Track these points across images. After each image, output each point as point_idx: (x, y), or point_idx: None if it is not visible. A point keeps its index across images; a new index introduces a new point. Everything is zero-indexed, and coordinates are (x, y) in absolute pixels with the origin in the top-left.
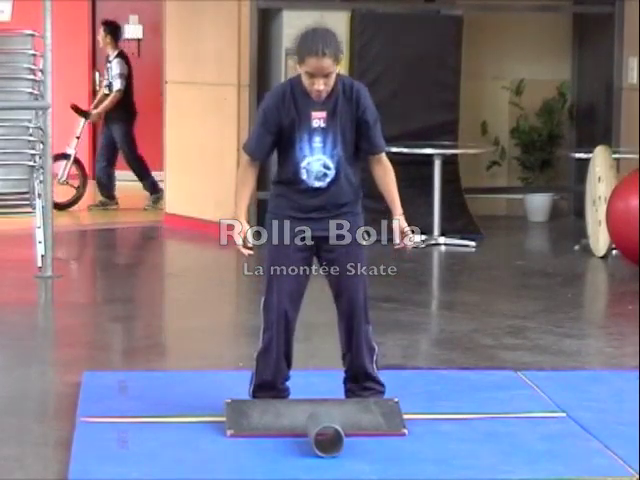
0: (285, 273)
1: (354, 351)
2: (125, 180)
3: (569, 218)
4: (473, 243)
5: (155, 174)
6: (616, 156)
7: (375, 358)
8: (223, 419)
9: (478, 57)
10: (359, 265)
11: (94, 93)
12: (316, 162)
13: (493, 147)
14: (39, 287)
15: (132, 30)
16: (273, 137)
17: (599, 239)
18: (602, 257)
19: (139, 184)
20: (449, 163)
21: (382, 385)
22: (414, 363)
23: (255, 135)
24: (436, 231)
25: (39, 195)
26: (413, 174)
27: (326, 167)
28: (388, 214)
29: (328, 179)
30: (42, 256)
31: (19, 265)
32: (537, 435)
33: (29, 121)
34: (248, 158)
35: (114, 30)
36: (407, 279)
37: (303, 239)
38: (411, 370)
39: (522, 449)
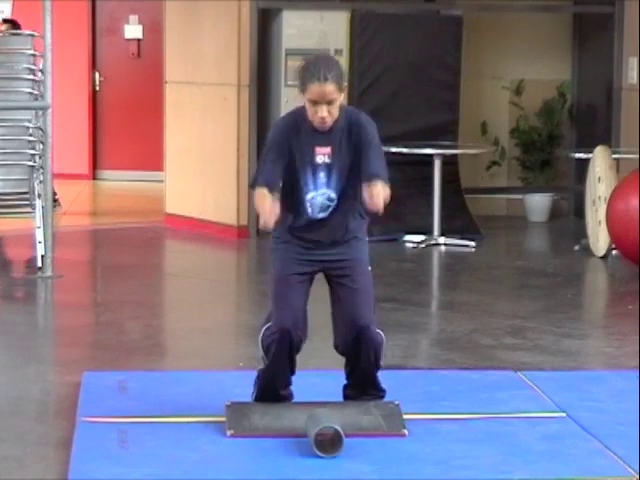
0: (289, 298)
1: (358, 359)
2: (126, 180)
3: (569, 218)
4: (473, 243)
5: (155, 174)
6: (616, 156)
7: (380, 355)
8: (223, 420)
9: (478, 57)
10: (365, 286)
11: (94, 93)
12: (320, 196)
13: (493, 147)
14: (39, 287)
15: (132, 30)
16: (285, 162)
17: (599, 239)
18: (602, 257)
19: (140, 184)
20: (449, 163)
21: (383, 391)
22: (414, 363)
23: (266, 165)
24: (436, 231)
25: (39, 195)
26: (413, 174)
27: (330, 199)
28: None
29: (331, 209)
30: (42, 256)
31: (19, 265)
32: (537, 435)
33: (29, 121)
34: (263, 190)
35: (15, 29)
36: (407, 279)
37: (308, 263)
38: (411, 370)
39: (522, 449)
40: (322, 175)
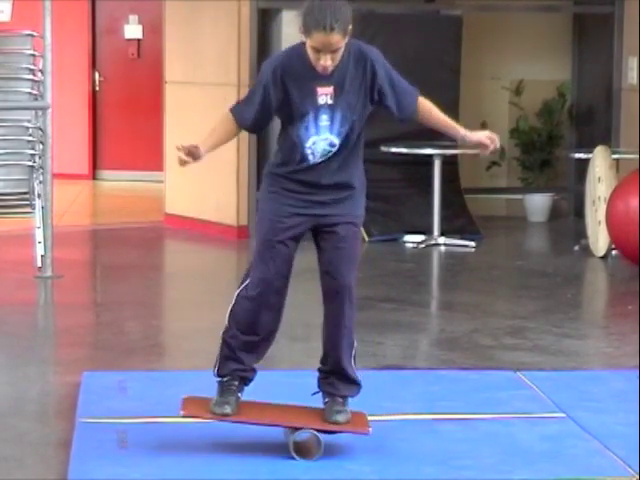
0: (276, 250)
1: (333, 336)
2: (126, 180)
3: (569, 218)
4: (473, 243)
5: (155, 174)
6: (616, 156)
7: (354, 353)
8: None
9: (478, 57)
10: (352, 246)
11: (94, 93)
12: (322, 141)
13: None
14: (39, 287)
15: (132, 30)
16: (268, 115)
17: (599, 239)
18: (602, 257)
19: (140, 184)
20: (449, 163)
21: (357, 383)
22: (414, 363)
23: (249, 106)
24: (436, 231)
25: (39, 195)
26: (413, 174)
27: (332, 145)
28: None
29: (331, 154)
30: (42, 256)
31: (19, 265)
32: (537, 435)
33: (29, 121)
34: (232, 119)
35: None
36: (407, 279)
37: (299, 217)
38: (411, 370)
39: (522, 449)
40: (324, 118)
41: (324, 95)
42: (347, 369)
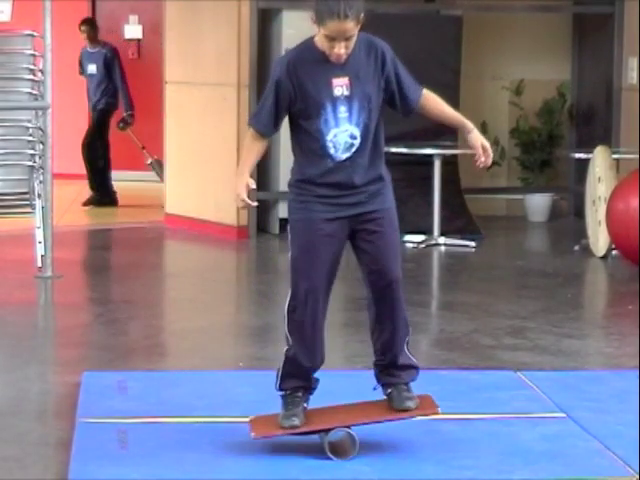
0: (318, 258)
1: (392, 330)
2: (126, 180)
3: (569, 218)
4: (473, 243)
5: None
6: (616, 156)
7: (408, 339)
8: (225, 420)
9: (478, 57)
10: (393, 239)
11: None
12: (343, 133)
13: (493, 147)
14: (39, 287)
15: (132, 30)
16: (285, 111)
17: (599, 239)
18: (602, 257)
19: (140, 184)
20: (449, 163)
21: (416, 367)
22: None
23: (265, 109)
24: (436, 231)
25: (39, 195)
26: (413, 174)
27: (352, 137)
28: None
29: (354, 149)
30: (42, 256)
31: (19, 265)
32: (537, 435)
33: (29, 121)
34: (256, 134)
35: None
36: (407, 279)
37: (335, 221)
38: None
39: (522, 449)
40: (343, 109)
41: (340, 86)
42: (406, 357)
